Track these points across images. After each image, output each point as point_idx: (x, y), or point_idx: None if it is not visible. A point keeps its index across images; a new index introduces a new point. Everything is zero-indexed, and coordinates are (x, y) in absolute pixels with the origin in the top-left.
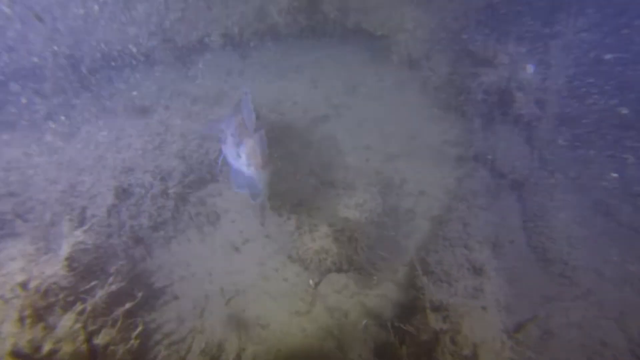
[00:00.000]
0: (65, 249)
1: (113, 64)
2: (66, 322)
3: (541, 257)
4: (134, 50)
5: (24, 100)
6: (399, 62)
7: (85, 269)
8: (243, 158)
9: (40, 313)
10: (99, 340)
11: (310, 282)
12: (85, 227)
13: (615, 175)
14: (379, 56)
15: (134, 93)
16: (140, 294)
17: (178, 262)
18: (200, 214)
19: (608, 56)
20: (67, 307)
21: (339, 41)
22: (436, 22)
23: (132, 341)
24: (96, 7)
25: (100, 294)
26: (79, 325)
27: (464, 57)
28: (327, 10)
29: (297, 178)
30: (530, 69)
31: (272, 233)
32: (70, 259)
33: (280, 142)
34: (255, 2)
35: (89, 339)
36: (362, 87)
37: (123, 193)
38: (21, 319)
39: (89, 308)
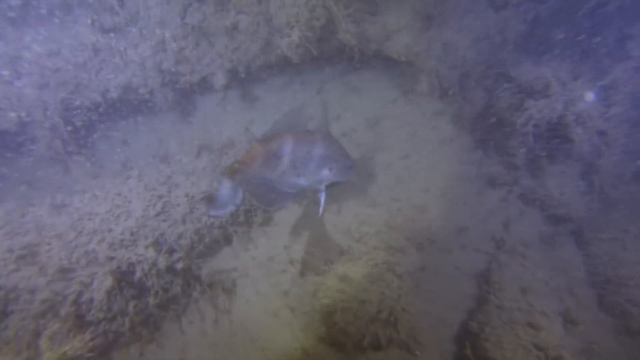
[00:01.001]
0: None
1: (108, 115)
2: None
3: (622, 326)
4: (132, 97)
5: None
6: (427, 92)
7: None
8: None
9: None
10: None
11: None
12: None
13: None
14: (404, 85)
15: (132, 149)
16: None
17: (190, 344)
18: (214, 285)
19: None
20: None
21: (358, 69)
22: (469, 44)
23: None
24: (88, 54)
25: None
26: None
27: (504, 85)
28: (344, 38)
29: (321, 235)
30: (590, 96)
31: (296, 305)
32: None
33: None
34: (262, 33)
35: None
36: (386, 121)
37: (123, 275)
38: None
39: None
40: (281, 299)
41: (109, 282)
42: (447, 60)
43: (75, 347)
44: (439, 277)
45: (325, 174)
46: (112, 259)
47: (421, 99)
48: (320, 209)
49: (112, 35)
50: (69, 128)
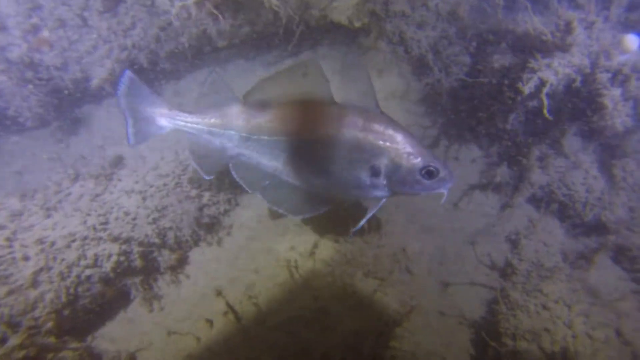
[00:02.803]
0: None
1: None
2: None
3: None
4: None
5: None
6: (388, 66)
7: None
8: None
9: None
10: None
11: None
12: None
13: None
14: (360, 60)
15: None
16: None
17: None
18: None
19: None
20: None
21: (301, 47)
22: None
23: None
24: None
25: None
26: None
27: (497, 44)
28: (272, 4)
29: (248, 282)
30: (633, 42)
31: None
32: None
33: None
34: (163, 6)
35: None
36: None
37: None
38: None
39: None
40: None
41: None
42: (416, 19)
43: None
44: (418, 333)
45: (366, 180)
46: None
47: (381, 75)
48: (359, 225)
49: None
50: None
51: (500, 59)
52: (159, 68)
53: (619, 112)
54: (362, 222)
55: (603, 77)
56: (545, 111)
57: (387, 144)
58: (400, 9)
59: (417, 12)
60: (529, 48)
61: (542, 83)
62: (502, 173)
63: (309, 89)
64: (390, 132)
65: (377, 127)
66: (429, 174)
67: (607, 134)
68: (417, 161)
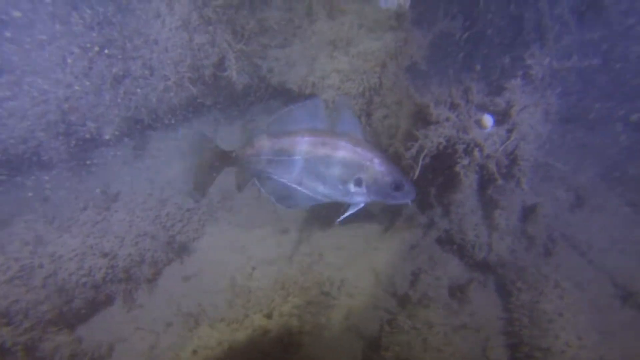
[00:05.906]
0: None
1: None
2: None
3: None
4: (20, 151)
5: None
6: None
7: None
8: None
9: None
10: None
11: None
12: None
13: None
14: (349, 101)
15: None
16: None
17: None
18: (77, 357)
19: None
20: None
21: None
22: (369, 67)
23: None
24: None
25: None
26: None
27: (411, 111)
28: (233, 76)
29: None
30: (488, 121)
31: None
32: None
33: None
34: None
35: None
36: None
37: None
38: None
39: None
40: None
41: None
42: (346, 89)
43: None
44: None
45: (351, 188)
46: None
47: None
48: (340, 218)
49: None
50: None
51: (404, 125)
52: (158, 123)
53: (467, 178)
54: (345, 215)
55: (459, 147)
56: (417, 171)
57: (367, 163)
58: (333, 82)
59: (346, 84)
60: (417, 119)
61: (422, 148)
62: (417, 216)
63: (312, 121)
64: (370, 154)
65: (361, 150)
66: (397, 188)
67: (489, 190)
68: (388, 178)
